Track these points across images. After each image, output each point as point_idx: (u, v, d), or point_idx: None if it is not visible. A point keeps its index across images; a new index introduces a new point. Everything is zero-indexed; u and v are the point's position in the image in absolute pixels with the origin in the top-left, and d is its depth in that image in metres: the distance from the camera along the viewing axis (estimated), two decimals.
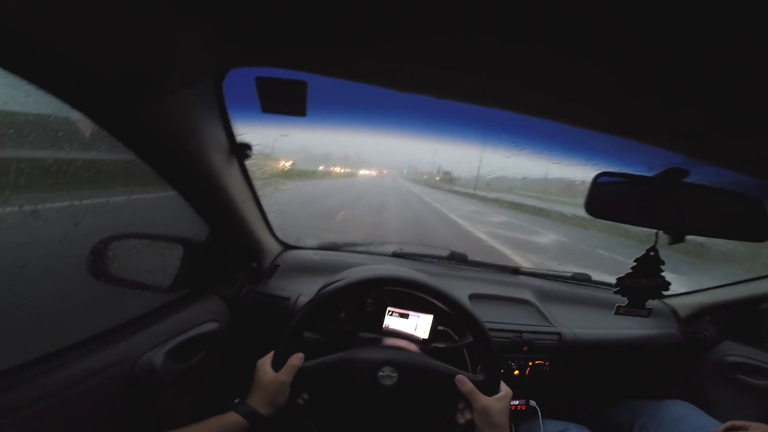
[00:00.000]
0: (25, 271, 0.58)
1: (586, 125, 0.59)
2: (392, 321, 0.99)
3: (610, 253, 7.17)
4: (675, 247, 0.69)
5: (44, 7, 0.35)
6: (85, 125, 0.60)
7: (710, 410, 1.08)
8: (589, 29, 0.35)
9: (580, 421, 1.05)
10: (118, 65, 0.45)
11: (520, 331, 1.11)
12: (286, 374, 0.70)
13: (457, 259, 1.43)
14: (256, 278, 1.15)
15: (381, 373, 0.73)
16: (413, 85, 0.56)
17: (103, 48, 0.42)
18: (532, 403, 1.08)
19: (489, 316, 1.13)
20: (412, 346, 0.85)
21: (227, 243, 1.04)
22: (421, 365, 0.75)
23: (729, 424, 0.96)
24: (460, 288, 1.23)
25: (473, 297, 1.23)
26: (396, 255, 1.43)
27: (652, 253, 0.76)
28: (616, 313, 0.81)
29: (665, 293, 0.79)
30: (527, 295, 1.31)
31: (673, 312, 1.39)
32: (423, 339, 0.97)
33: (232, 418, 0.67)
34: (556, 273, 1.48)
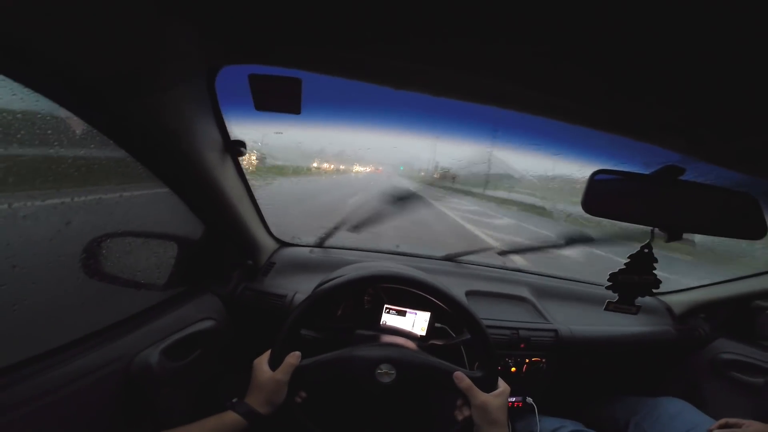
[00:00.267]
0: (17, 271, 0.58)
1: (582, 122, 0.58)
2: (389, 318, 0.99)
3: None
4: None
5: (31, 6, 0.34)
6: (75, 123, 0.59)
7: (705, 407, 1.09)
8: (586, 27, 0.35)
9: (576, 417, 1.06)
10: (107, 64, 0.44)
11: (517, 328, 1.11)
12: (283, 373, 0.70)
13: (453, 257, 1.43)
14: (251, 276, 1.14)
15: (379, 371, 0.73)
16: (409, 82, 0.55)
17: (92, 47, 0.41)
18: (529, 399, 1.08)
19: (486, 313, 1.13)
20: (410, 344, 0.85)
21: (222, 240, 1.04)
22: (419, 362, 0.75)
23: (723, 421, 0.96)
24: (456, 285, 1.23)
25: (470, 294, 1.23)
26: (392, 252, 1.43)
27: (646, 250, 0.76)
28: (606, 309, 0.81)
29: (660, 290, 0.80)
30: (524, 292, 1.31)
31: (668, 309, 1.40)
32: (420, 336, 0.97)
33: (231, 417, 0.67)
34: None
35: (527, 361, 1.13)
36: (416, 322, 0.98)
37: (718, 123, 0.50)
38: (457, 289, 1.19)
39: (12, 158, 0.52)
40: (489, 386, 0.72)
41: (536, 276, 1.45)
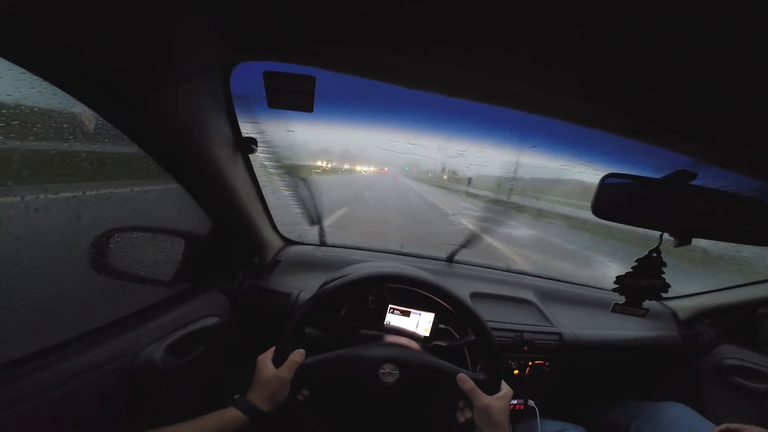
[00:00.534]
0: (26, 264, 0.58)
1: (598, 126, 0.58)
2: (393, 318, 0.99)
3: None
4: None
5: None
6: (89, 118, 0.59)
7: (707, 412, 1.09)
8: (605, 29, 0.35)
9: (578, 421, 1.06)
10: (125, 58, 0.44)
11: (521, 331, 1.11)
12: (286, 370, 0.70)
13: (457, 258, 1.43)
14: (257, 273, 1.14)
15: (382, 370, 0.73)
16: (423, 82, 0.55)
17: (110, 41, 0.41)
18: (531, 402, 1.08)
19: (490, 315, 1.13)
20: (414, 344, 0.85)
21: (229, 237, 1.04)
22: (422, 363, 0.75)
23: (723, 426, 0.96)
24: (461, 286, 1.23)
25: (474, 296, 1.23)
26: (397, 253, 1.43)
27: (654, 255, 0.75)
28: (613, 310, 0.81)
29: (666, 295, 0.79)
30: (528, 295, 1.31)
31: (673, 314, 1.40)
32: (424, 337, 0.97)
33: (232, 413, 0.66)
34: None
35: (530, 363, 1.12)
36: (420, 322, 0.98)
37: (735, 127, 0.50)
38: (461, 290, 1.18)
39: (28, 151, 0.53)
40: (492, 389, 0.72)
41: (541, 279, 1.45)
